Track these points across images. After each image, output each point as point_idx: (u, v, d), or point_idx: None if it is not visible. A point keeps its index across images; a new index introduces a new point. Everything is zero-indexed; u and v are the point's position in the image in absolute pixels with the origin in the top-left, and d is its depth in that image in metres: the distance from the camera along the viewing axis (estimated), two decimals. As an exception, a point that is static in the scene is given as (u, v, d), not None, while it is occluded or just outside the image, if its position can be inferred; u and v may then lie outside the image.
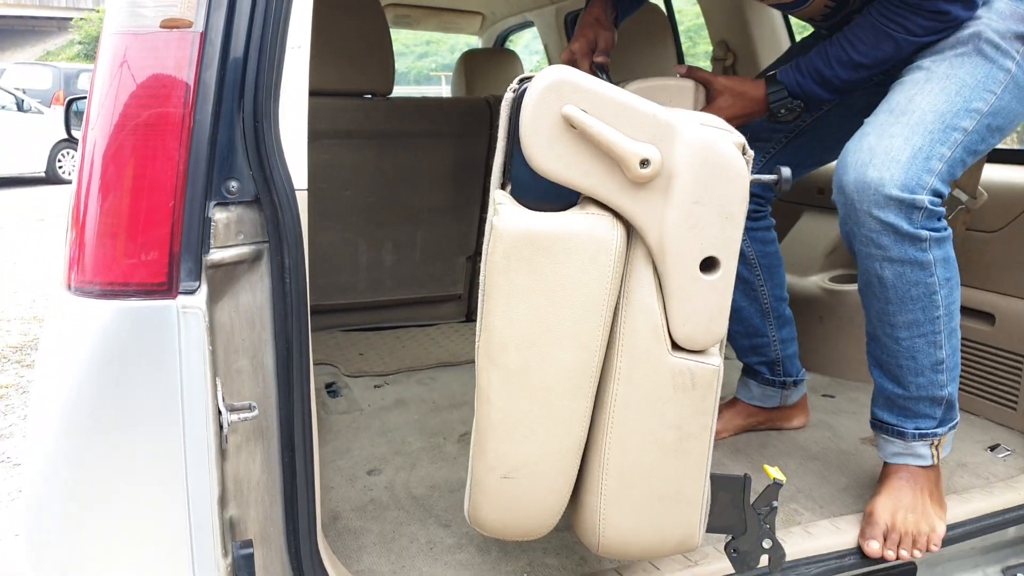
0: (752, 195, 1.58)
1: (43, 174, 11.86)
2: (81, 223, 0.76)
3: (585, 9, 1.52)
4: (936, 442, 1.34)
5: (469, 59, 3.39)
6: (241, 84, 0.80)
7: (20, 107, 11.35)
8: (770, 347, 1.68)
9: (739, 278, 1.55)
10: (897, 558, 1.29)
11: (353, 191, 2.27)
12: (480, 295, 0.96)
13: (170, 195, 0.74)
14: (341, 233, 2.30)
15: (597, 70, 1.47)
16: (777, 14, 2.54)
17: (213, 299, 0.80)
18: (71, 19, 21.00)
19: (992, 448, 1.61)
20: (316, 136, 1.94)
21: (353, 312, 2.43)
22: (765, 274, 1.64)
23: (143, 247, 0.74)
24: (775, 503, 1.14)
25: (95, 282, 0.75)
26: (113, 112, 0.74)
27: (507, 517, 1.03)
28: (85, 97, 3.22)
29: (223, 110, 0.79)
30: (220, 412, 0.79)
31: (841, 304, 2.04)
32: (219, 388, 0.80)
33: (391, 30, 2.25)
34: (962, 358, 1.38)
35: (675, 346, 0.97)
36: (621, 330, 0.96)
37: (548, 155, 0.89)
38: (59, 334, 0.78)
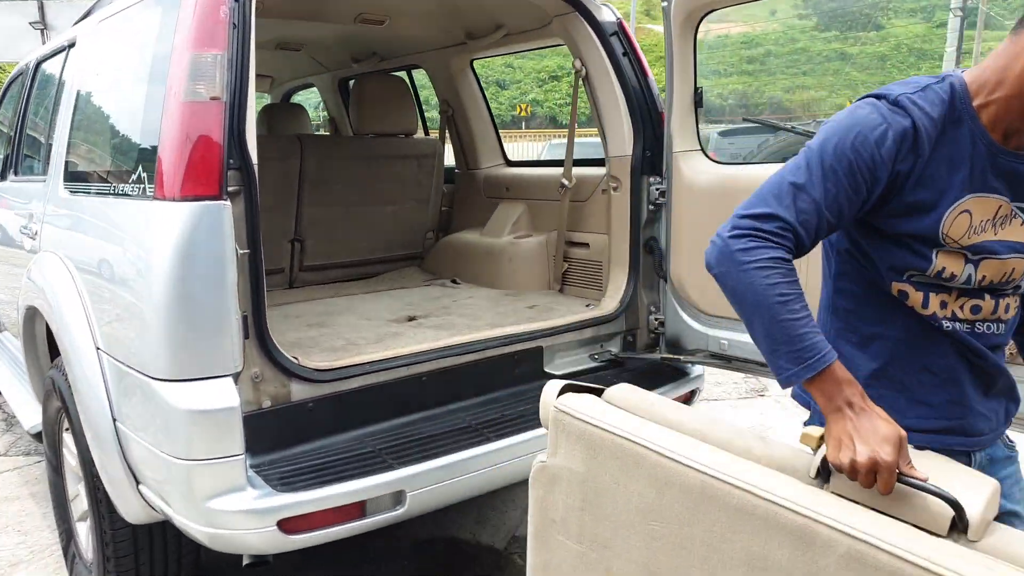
0: None
1: None
2: (178, 174, 1.95)
3: None
4: None
5: (268, 110, 4.59)
6: (233, 121, 2.03)
7: None
8: None
9: None
10: None
11: None
12: None
13: (217, 165, 1.97)
14: None
15: None
16: (475, 87, 4.08)
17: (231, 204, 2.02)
18: None
19: (587, 305, 3.16)
20: None
21: None
22: None
23: (209, 183, 1.96)
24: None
25: (186, 196, 1.94)
26: (191, 134, 1.95)
27: None
28: None
29: (229, 132, 2.01)
30: (236, 249, 2.01)
31: (518, 249, 3.55)
32: (234, 238, 2.02)
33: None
34: (578, 268, 2.94)
35: None
36: None
37: None
38: (167, 220, 1.95)
